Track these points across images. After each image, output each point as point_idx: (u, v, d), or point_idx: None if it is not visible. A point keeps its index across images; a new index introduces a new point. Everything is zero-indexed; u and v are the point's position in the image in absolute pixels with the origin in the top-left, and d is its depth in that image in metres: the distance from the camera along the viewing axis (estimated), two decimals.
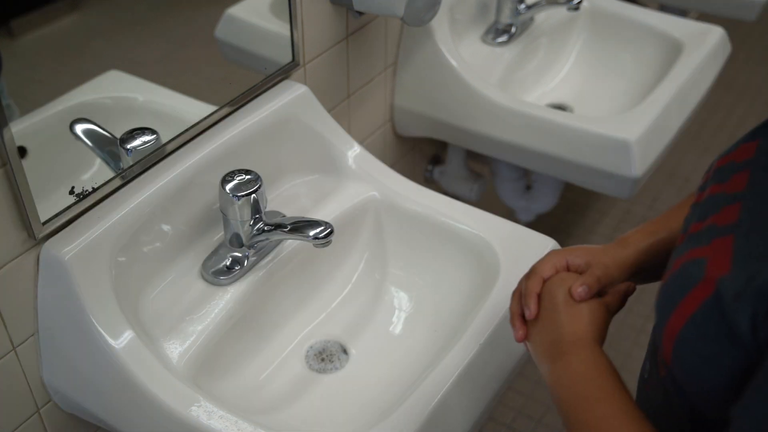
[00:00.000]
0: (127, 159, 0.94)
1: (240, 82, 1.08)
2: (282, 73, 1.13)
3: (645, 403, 0.71)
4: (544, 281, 0.77)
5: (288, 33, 1.12)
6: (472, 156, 1.68)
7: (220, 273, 0.97)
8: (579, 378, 0.68)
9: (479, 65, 1.49)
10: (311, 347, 1.06)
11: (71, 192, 0.89)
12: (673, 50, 1.50)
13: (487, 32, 1.56)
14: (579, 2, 1.50)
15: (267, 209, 0.98)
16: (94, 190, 0.91)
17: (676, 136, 1.40)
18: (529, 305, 0.76)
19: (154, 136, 0.95)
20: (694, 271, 0.57)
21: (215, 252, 0.99)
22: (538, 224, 1.33)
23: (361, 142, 1.15)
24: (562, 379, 0.69)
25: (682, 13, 2.12)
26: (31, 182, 0.83)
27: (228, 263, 0.98)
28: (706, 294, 0.55)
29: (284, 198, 1.10)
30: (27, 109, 0.86)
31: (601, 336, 0.73)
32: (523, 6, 1.54)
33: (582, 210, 2.28)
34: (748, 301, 0.51)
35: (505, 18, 1.54)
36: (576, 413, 0.66)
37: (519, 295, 0.79)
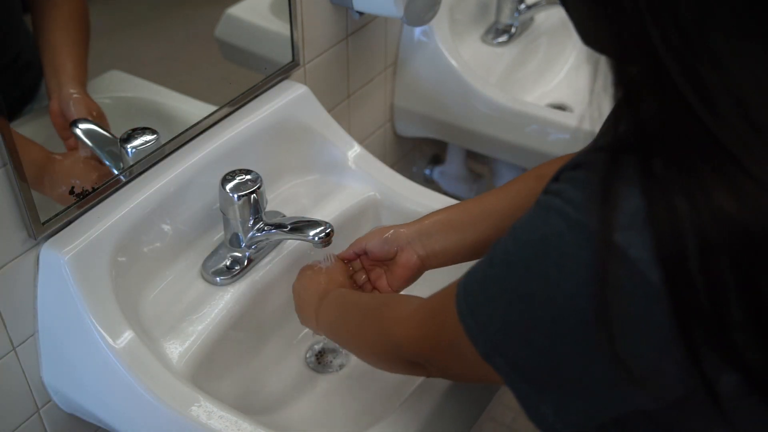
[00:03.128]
0: (128, 159, 0.94)
1: (240, 82, 1.08)
2: (282, 73, 1.13)
3: None
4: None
5: (288, 33, 1.12)
6: (472, 156, 1.68)
7: (220, 273, 0.97)
8: (333, 313, 0.86)
9: (479, 65, 1.49)
10: (311, 347, 1.06)
11: (71, 192, 0.89)
12: None
13: (487, 32, 1.56)
14: None
15: (267, 209, 0.97)
16: (94, 190, 0.91)
17: None
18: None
19: (155, 136, 0.95)
20: None
21: (215, 252, 0.99)
22: None
23: (361, 142, 1.15)
24: (325, 324, 0.87)
25: None
26: (31, 182, 0.83)
27: (228, 263, 0.98)
28: None
29: (284, 198, 1.10)
30: (28, 109, 0.86)
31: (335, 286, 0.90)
32: (523, 6, 1.54)
33: None
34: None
35: (505, 18, 1.54)
36: (347, 328, 0.84)
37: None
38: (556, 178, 0.55)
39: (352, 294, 0.89)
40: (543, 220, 0.53)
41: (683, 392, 0.52)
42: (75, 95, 0.89)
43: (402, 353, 0.74)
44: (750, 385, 0.50)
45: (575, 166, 0.54)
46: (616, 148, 0.51)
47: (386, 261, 0.91)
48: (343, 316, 0.85)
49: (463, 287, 0.61)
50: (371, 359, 0.83)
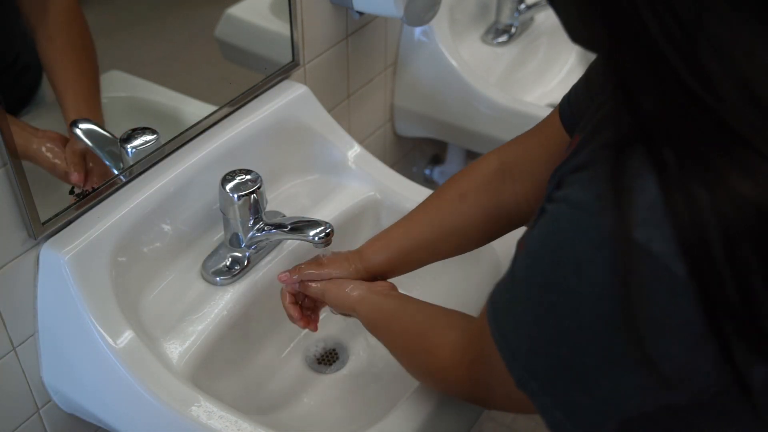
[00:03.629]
0: (128, 159, 0.94)
1: (240, 82, 1.08)
2: (282, 73, 1.13)
3: None
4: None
5: (288, 33, 1.12)
6: (472, 156, 1.68)
7: (220, 273, 0.97)
8: (380, 313, 0.84)
9: (479, 65, 1.49)
10: (311, 347, 1.06)
11: (71, 192, 0.89)
12: None
13: (487, 32, 1.56)
14: None
15: (267, 209, 0.98)
16: (94, 190, 0.91)
17: None
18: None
19: (155, 136, 0.95)
20: None
21: (215, 252, 0.99)
22: None
23: (361, 142, 1.15)
24: (370, 318, 0.84)
25: None
26: (31, 182, 0.83)
27: (228, 263, 0.98)
28: None
29: (284, 198, 1.10)
30: (26, 110, 0.86)
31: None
32: (523, 6, 1.54)
33: None
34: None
35: (505, 18, 1.54)
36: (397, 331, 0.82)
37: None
38: (558, 185, 0.54)
39: (393, 311, 0.85)
40: (553, 229, 0.52)
41: (715, 388, 0.51)
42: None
43: (455, 391, 0.74)
44: None
45: (577, 168, 0.52)
46: (621, 143, 0.50)
47: None
48: (387, 332, 0.84)
49: (492, 310, 0.60)
50: (428, 385, 0.84)
